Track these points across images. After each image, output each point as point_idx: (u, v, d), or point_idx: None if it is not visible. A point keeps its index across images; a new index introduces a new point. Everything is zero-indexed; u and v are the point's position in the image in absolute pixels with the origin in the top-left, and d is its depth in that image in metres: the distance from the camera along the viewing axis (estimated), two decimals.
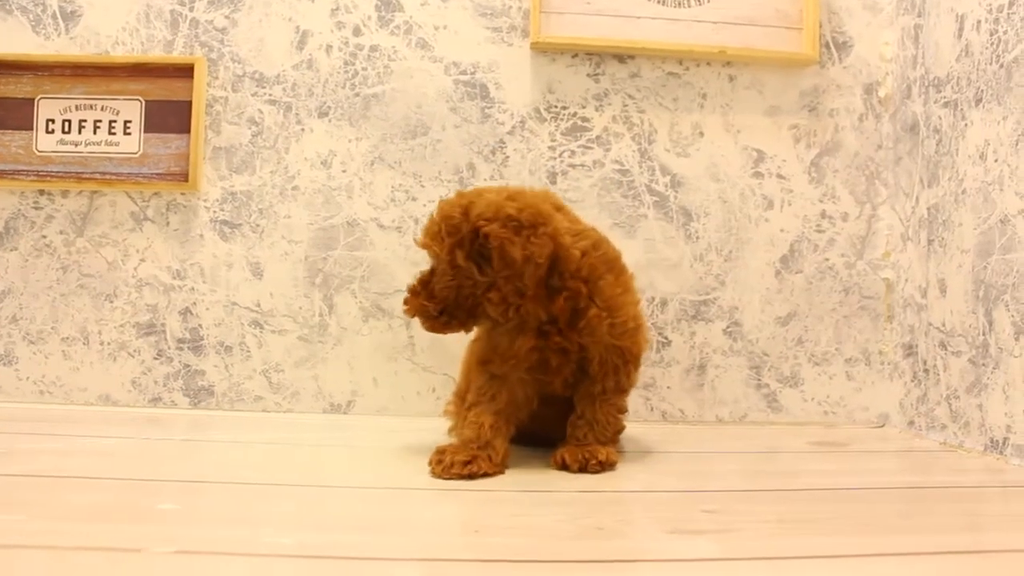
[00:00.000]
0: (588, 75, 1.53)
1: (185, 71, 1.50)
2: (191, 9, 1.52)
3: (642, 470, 1.10)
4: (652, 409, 1.52)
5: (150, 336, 1.51)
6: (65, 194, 1.51)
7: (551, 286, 1.04)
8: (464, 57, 1.53)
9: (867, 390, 1.55)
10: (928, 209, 1.43)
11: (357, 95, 1.52)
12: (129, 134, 1.50)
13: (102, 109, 1.50)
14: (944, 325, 1.37)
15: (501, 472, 1.04)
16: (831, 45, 1.57)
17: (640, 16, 1.51)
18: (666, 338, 1.52)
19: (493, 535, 0.78)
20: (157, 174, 1.50)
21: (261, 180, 1.51)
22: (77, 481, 0.96)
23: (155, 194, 1.51)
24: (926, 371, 1.42)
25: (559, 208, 1.09)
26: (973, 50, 1.31)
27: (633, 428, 1.38)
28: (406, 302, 1.10)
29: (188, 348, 1.50)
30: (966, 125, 1.33)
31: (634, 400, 1.48)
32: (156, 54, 1.52)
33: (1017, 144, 1.20)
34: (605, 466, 1.06)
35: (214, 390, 1.50)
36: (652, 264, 1.52)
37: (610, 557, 0.72)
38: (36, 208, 1.51)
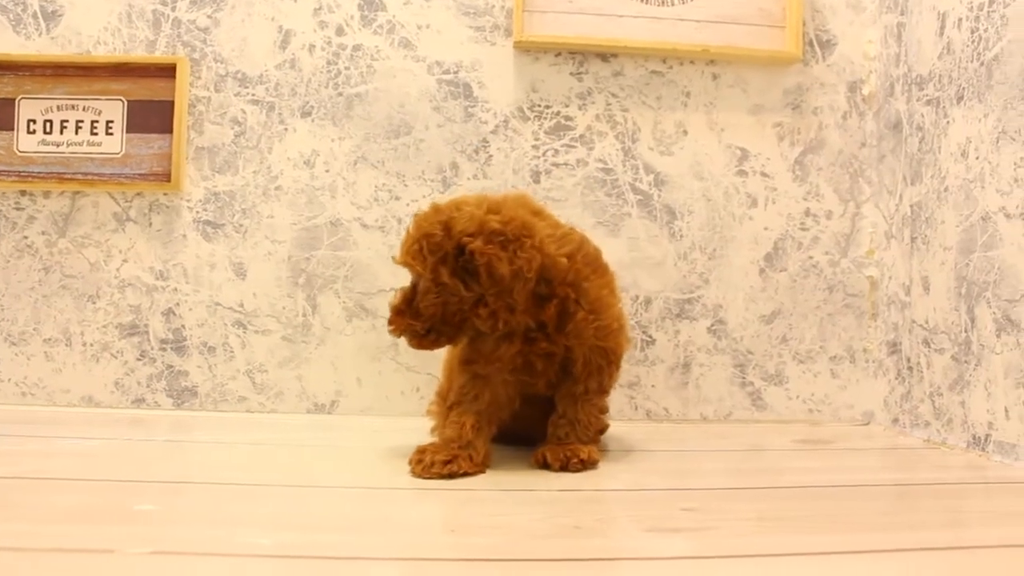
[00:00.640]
0: (571, 74, 1.53)
1: (167, 71, 1.50)
2: (173, 9, 1.51)
3: (624, 469, 1.10)
4: (636, 408, 1.52)
5: (133, 337, 1.50)
6: (47, 195, 1.50)
7: (539, 294, 1.04)
8: (447, 56, 1.53)
9: (851, 388, 1.55)
10: (911, 207, 1.43)
11: (340, 95, 1.52)
12: (111, 134, 1.50)
13: (84, 109, 1.50)
14: (927, 322, 1.37)
15: (482, 471, 1.03)
16: (815, 43, 1.57)
17: (623, 15, 1.51)
18: (650, 337, 1.52)
19: (470, 534, 0.78)
20: (140, 174, 1.49)
21: (244, 180, 1.51)
22: (57, 483, 0.95)
23: (138, 194, 1.51)
24: (910, 368, 1.43)
25: (537, 213, 1.09)
26: (955, 48, 1.31)
27: (617, 427, 1.38)
28: (391, 322, 1.08)
29: (171, 349, 1.50)
30: (948, 123, 1.33)
31: (618, 399, 1.48)
32: (138, 54, 1.51)
33: (998, 141, 1.20)
34: (587, 465, 1.06)
35: (197, 391, 1.50)
36: (636, 263, 1.52)
37: (585, 556, 0.71)
38: (18, 209, 1.50)
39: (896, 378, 1.48)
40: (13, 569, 0.65)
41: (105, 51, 1.51)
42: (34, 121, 1.49)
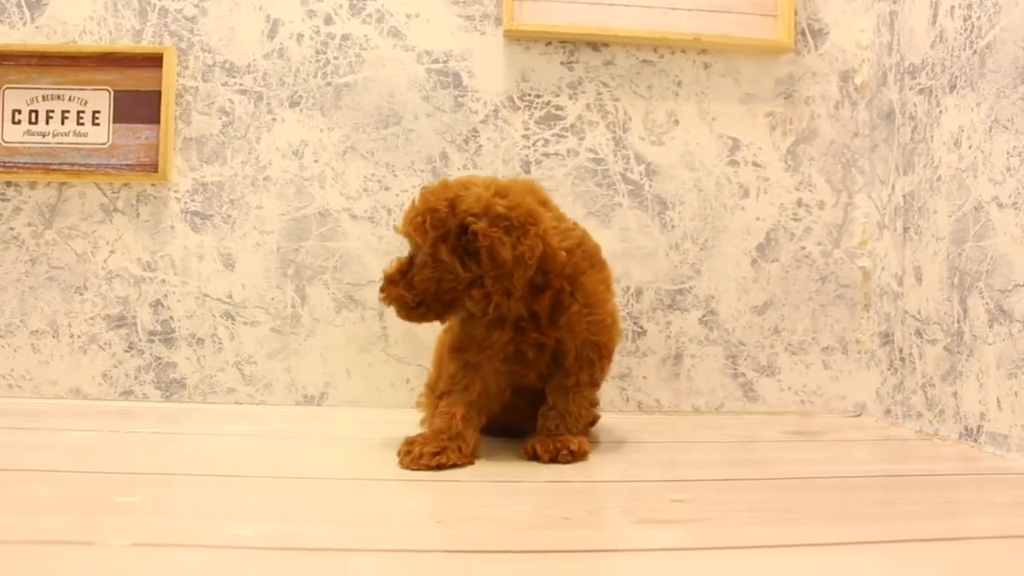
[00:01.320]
0: (562, 63, 1.52)
1: (154, 61, 1.48)
2: None
3: (614, 460, 1.09)
4: (628, 399, 1.51)
5: (121, 329, 1.49)
6: (33, 185, 1.49)
7: (535, 284, 1.03)
8: (436, 46, 1.51)
9: (844, 379, 1.55)
10: (904, 197, 1.42)
11: (329, 84, 1.50)
12: (98, 124, 1.48)
13: (70, 99, 1.48)
14: (920, 313, 1.36)
15: (471, 463, 1.03)
16: (807, 32, 1.56)
17: (614, 3, 1.50)
18: (642, 328, 1.51)
19: (456, 525, 0.77)
20: (127, 165, 1.48)
21: (232, 171, 1.50)
22: (42, 475, 0.94)
23: (125, 185, 1.49)
24: (902, 359, 1.42)
25: (544, 203, 1.08)
26: (947, 36, 1.31)
27: (608, 418, 1.38)
28: (383, 289, 1.07)
29: (159, 340, 1.49)
30: (941, 112, 1.32)
31: (609, 390, 1.47)
32: (125, 43, 1.49)
33: (991, 130, 1.19)
34: (576, 456, 1.06)
35: (186, 383, 1.49)
36: (627, 253, 1.51)
37: (572, 547, 0.70)
38: (3, 200, 1.48)
39: (888, 369, 1.47)
40: None
41: (91, 40, 1.49)
42: (19, 111, 1.47)
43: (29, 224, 1.48)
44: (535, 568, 0.66)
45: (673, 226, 1.53)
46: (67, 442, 1.14)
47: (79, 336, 1.48)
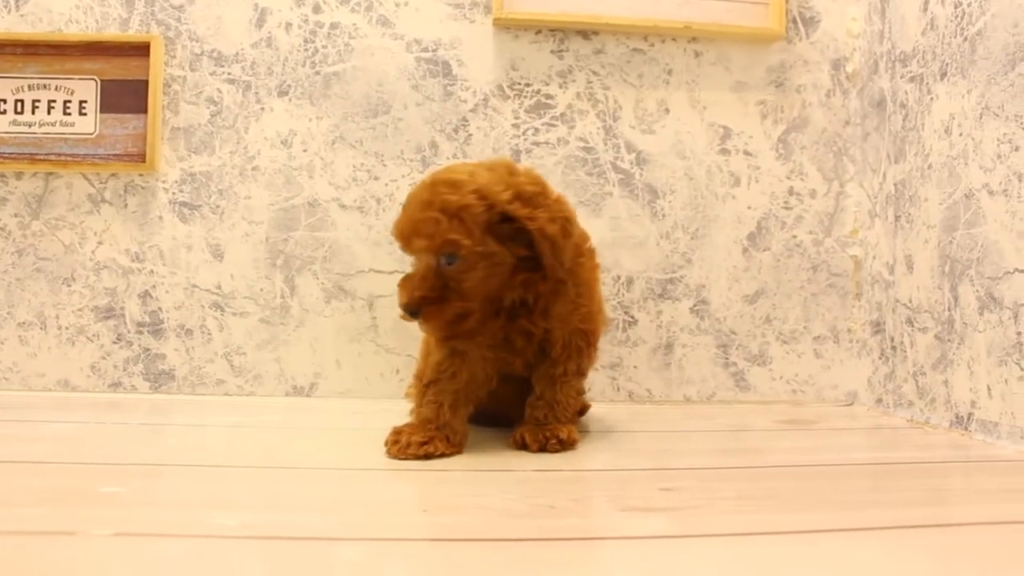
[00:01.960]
0: (552, 52, 1.51)
1: (141, 49, 1.47)
2: None
3: (604, 449, 1.09)
4: (618, 389, 1.51)
5: (109, 320, 1.48)
6: (19, 176, 1.48)
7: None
8: (426, 34, 1.50)
9: (835, 368, 1.54)
10: (895, 185, 1.42)
11: (317, 73, 1.49)
12: (85, 114, 1.47)
13: (56, 89, 1.47)
14: (911, 301, 1.36)
15: (459, 452, 1.02)
16: (798, 20, 1.56)
17: None
18: (632, 317, 1.51)
19: (442, 514, 0.77)
20: (114, 155, 1.47)
21: (221, 160, 1.49)
22: (28, 466, 0.93)
23: (112, 175, 1.48)
24: (893, 348, 1.42)
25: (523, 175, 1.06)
26: (938, 23, 1.30)
27: (599, 408, 1.37)
28: (428, 316, 0.98)
29: (148, 332, 1.48)
30: (932, 99, 1.31)
31: (600, 380, 1.47)
32: (111, 32, 1.48)
33: (981, 117, 1.19)
34: (566, 445, 1.05)
35: (175, 374, 1.48)
36: (618, 242, 1.51)
37: (557, 535, 0.70)
38: None
39: (880, 358, 1.47)
40: None
41: (77, 29, 1.48)
42: (4, 101, 1.46)
43: (15, 215, 1.47)
44: (521, 556, 0.65)
45: (664, 215, 1.52)
46: (54, 434, 1.13)
47: (67, 328, 1.47)
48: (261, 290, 1.48)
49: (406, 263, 1.45)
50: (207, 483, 0.88)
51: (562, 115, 1.51)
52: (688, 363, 1.52)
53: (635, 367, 1.51)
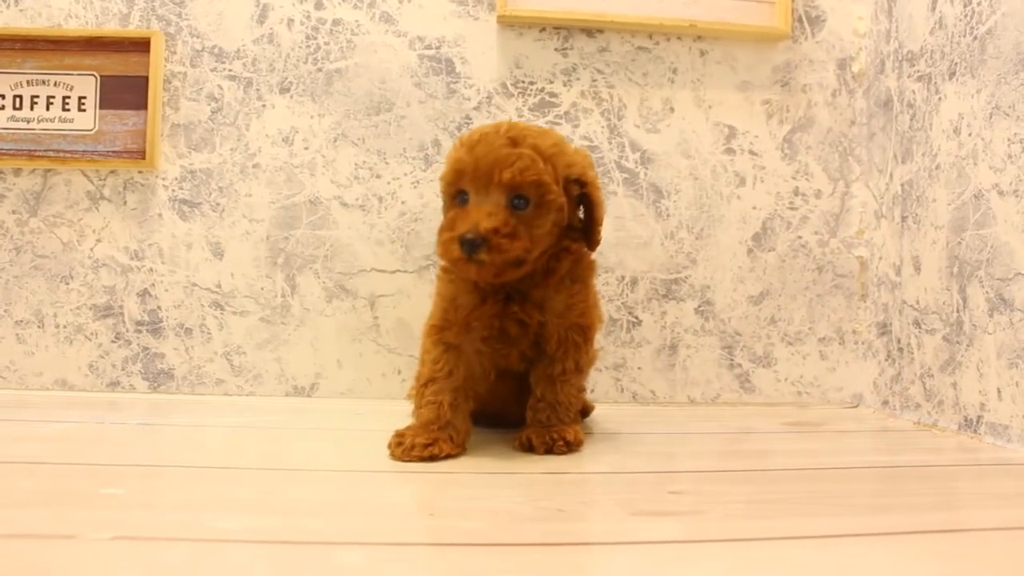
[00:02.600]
0: (556, 49, 1.50)
1: (142, 45, 1.45)
2: None
3: (609, 451, 1.08)
4: (622, 390, 1.49)
5: (107, 318, 1.46)
6: (17, 172, 1.46)
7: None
8: (429, 31, 1.49)
9: (841, 370, 1.53)
10: (902, 185, 1.40)
11: (319, 70, 1.48)
12: (84, 110, 1.45)
13: (55, 84, 1.45)
14: (918, 303, 1.35)
15: (463, 452, 1.01)
16: (804, 19, 1.54)
17: None
18: (636, 318, 1.50)
19: (448, 518, 0.75)
20: (113, 152, 1.45)
21: (221, 158, 1.47)
22: (24, 467, 0.92)
23: (111, 172, 1.47)
24: (900, 350, 1.40)
25: None
26: (947, 22, 1.29)
27: (603, 409, 1.36)
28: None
29: (147, 331, 1.46)
30: (940, 99, 1.30)
31: (604, 381, 1.46)
32: (111, 28, 1.47)
33: (991, 117, 1.18)
34: (572, 447, 1.04)
35: (174, 373, 1.46)
36: (622, 242, 1.49)
37: (568, 540, 0.69)
38: None
39: (886, 359, 1.45)
40: None
41: (77, 24, 1.47)
42: (3, 97, 1.44)
43: (13, 212, 1.46)
44: (530, 561, 0.64)
45: (668, 215, 1.51)
46: (52, 434, 1.12)
47: (65, 326, 1.46)
48: (261, 289, 1.47)
49: (409, 262, 1.46)
50: (207, 485, 0.86)
51: (566, 113, 1.50)
52: (692, 364, 1.50)
53: (639, 368, 1.49)
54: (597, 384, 1.47)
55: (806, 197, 1.53)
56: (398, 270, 1.47)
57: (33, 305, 1.46)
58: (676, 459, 1.06)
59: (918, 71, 1.36)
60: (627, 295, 1.49)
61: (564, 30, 1.50)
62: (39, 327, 1.46)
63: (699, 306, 1.51)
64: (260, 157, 1.47)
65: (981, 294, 1.19)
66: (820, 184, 1.54)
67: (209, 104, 1.47)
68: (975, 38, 1.22)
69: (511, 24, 1.49)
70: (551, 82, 1.50)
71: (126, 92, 1.46)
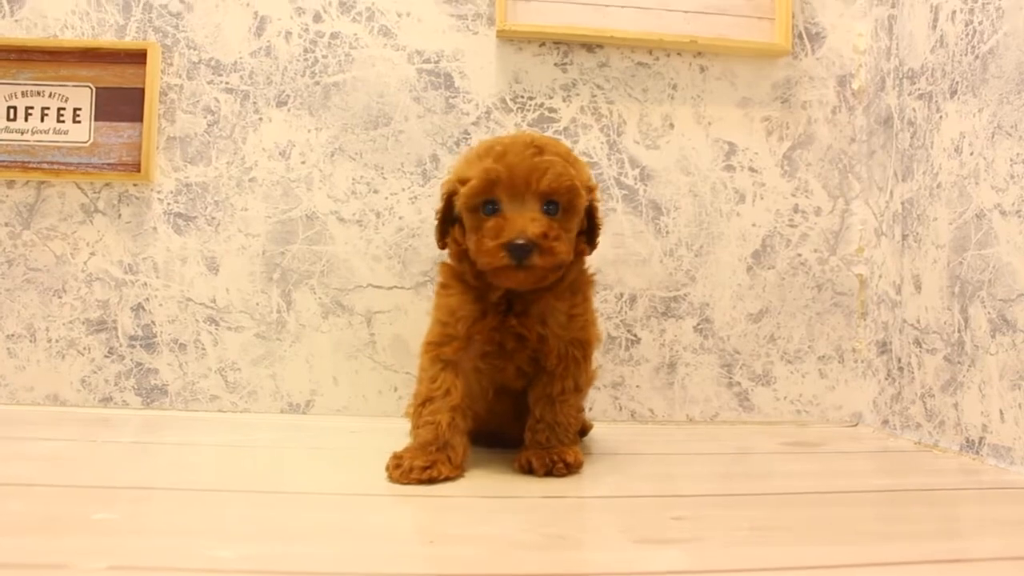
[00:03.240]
0: (555, 65, 1.49)
1: (138, 57, 1.44)
2: None
3: (610, 473, 1.06)
4: (621, 408, 1.48)
5: (101, 333, 1.45)
6: (11, 184, 1.44)
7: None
8: (428, 45, 1.48)
9: (840, 388, 1.52)
10: (902, 203, 1.40)
11: (317, 84, 1.47)
12: (79, 122, 1.44)
13: (50, 96, 1.44)
14: (919, 322, 1.34)
15: (461, 473, 0.99)
16: (804, 36, 1.54)
17: (609, 4, 1.47)
18: (635, 335, 1.48)
19: (449, 545, 0.74)
20: (108, 164, 1.44)
21: (217, 171, 1.46)
22: (13, 488, 0.90)
23: (106, 185, 1.45)
24: (900, 369, 1.39)
25: None
26: (948, 41, 1.28)
27: (601, 428, 1.35)
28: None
29: (140, 346, 1.45)
30: (941, 117, 1.30)
31: (602, 399, 1.45)
32: (107, 39, 1.46)
33: (993, 137, 1.17)
34: (572, 468, 1.02)
35: (168, 389, 1.45)
36: (621, 259, 1.48)
37: (571, 570, 0.67)
38: None
39: (886, 379, 1.44)
40: None
41: (73, 35, 1.45)
42: None
43: (6, 224, 1.44)
44: None
45: (668, 232, 1.50)
46: (43, 453, 1.10)
47: (57, 341, 1.44)
48: (257, 304, 1.45)
49: (406, 278, 1.45)
50: (201, 509, 0.85)
51: (565, 129, 1.49)
52: (691, 382, 1.49)
53: (638, 386, 1.48)
54: (595, 402, 1.46)
55: (806, 214, 1.53)
56: (395, 286, 1.45)
57: (25, 319, 1.44)
58: (676, 481, 1.05)
59: (919, 89, 1.36)
60: (626, 312, 1.48)
61: (564, 45, 1.49)
62: (31, 341, 1.44)
63: (698, 324, 1.50)
64: (256, 171, 1.46)
65: (983, 314, 1.18)
66: (820, 201, 1.53)
67: (205, 117, 1.46)
68: (976, 57, 1.21)
69: (510, 39, 1.48)
70: (550, 97, 1.49)
71: (122, 104, 1.44)
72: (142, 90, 1.44)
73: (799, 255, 1.52)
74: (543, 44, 1.49)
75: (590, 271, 1.12)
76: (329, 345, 1.45)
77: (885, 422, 1.44)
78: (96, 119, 1.44)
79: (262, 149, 1.46)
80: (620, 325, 1.48)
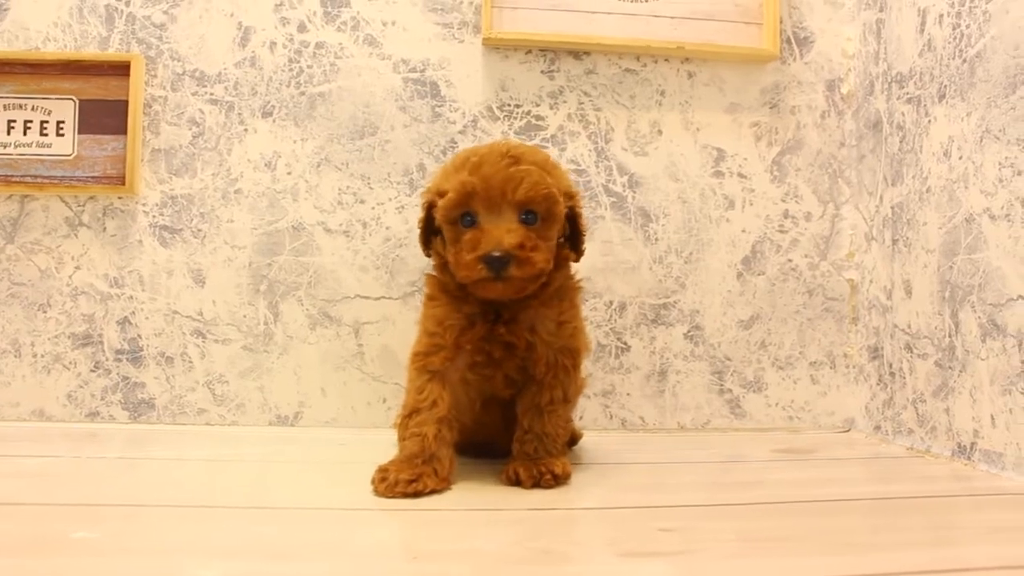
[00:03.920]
0: (542, 72, 1.48)
1: (121, 69, 1.43)
2: (127, 4, 1.45)
3: (598, 483, 1.05)
4: (611, 417, 1.47)
5: (86, 347, 1.43)
6: None
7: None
8: (413, 54, 1.47)
9: (832, 394, 1.51)
10: (892, 208, 1.39)
11: (302, 94, 1.46)
12: (62, 135, 1.43)
13: (33, 109, 1.43)
14: (910, 327, 1.33)
15: (448, 486, 0.98)
16: (792, 41, 1.53)
17: (596, 11, 1.46)
18: (625, 343, 1.48)
19: (433, 560, 0.73)
20: (92, 177, 1.43)
21: (202, 183, 1.45)
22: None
23: (90, 198, 1.44)
24: (892, 374, 1.39)
25: None
26: (936, 45, 1.28)
27: (592, 436, 1.34)
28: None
29: (127, 359, 1.43)
30: (929, 121, 1.29)
31: (593, 407, 1.44)
32: (90, 51, 1.44)
33: (981, 140, 1.16)
34: (560, 480, 1.01)
35: (155, 403, 1.43)
36: (610, 267, 1.47)
37: None
38: None
39: (878, 384, 1.44)
40: None
41: (55, 48, 1.44)
42: None
43: None
44: None
45: (657, 239, 1.49)
46: (28, 469, 1.09)
47: (42, 355, 1.43)
48: (244, 316, 1.44)
49: (393, 289, 1.44)
50: (186, 526, 0.83)
51: (553, 136, 1.48)
52: (682, 390, 1.48)
53: (628, 394, 1.47)
54: (585, 411, 1.45)
55: (796, 220, 1.52)
56: (383, 297, 1.44)
57: (10, 334, 1.43)
58: (666, 491, 1.04)
59: (907, 93, 1.35)
60: (615, 320, 1.47)
61: (550, 52, 1.48)
62: (16, 356, 1.43)
63: (688, 331, 1.49)
64: (242, 182, 1.45)
65: (973, 319, 1.17)
66: (810, 207, 1.52)
67: (190, 129, 1.45)
68: (964, 61, 1.21)
69: (497, 47, 1.47)
70: (537, 105, 1.48)
71: (105, 116, 1.43)
72: (126, 102, 1.43)
73: (789, 261, 1.51)
74: (529, 52, 1.48)
75: (577, 278, 1.11)
76: (317, 357, 1.44)
77: (877, 428, 1.43)
78: (80, 132, 1.43)
79: (247, 160, 1.45)
80: (610, 333, 1.47)
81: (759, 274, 1.51)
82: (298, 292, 1.44)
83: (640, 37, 1.47)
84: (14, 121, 1.42)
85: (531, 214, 0.99)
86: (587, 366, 1.14)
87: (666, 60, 1.51)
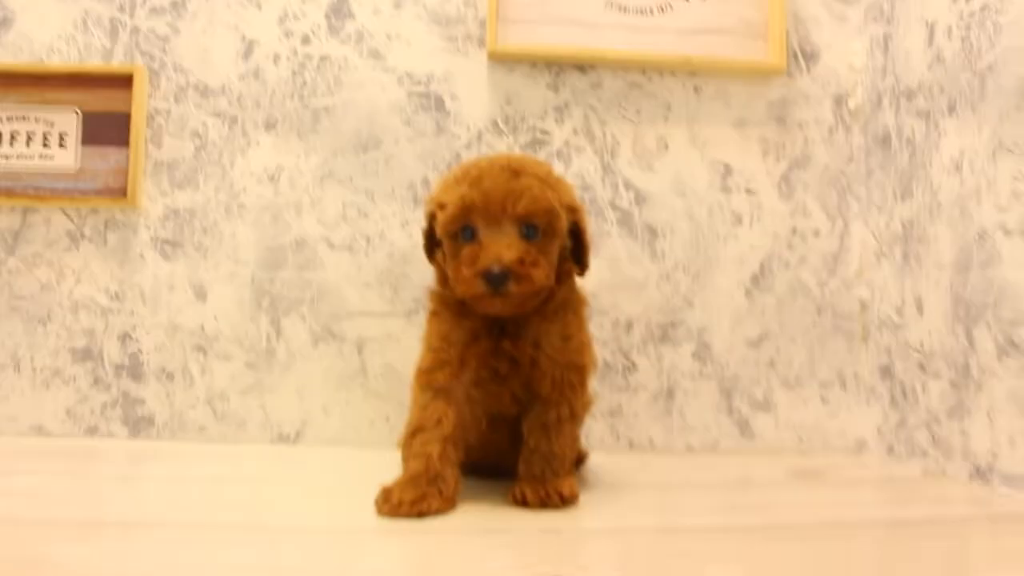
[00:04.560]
0: (547, 86, 1.47)
1: (125, 81, 1.42)
2: (131, 16, 1.44)
3: (606, 504, 1.03)
4: (618, 437, 1.45)
5: (86, 362, 1.41)
6: None
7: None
8: (418, 68, 1.46)
9: (843, 415, 1.49)
10: (903, 224, 1.37)
11: (306, 107, 1.45)
12: (64, 147, 1.42)
13: (36, 120, 1.42)
14: (922, 345, 1.31)
15: (453, 506, 0.96)
16: (799, 55, 1.52)
17: (601, 25, 1.45)
18: (632, 362, 1.45)
19: None
20: (94, 190, 1.41)
21: (205, 197, 1.43)
22: None
23: (92, 211, 1.43)
24: (904, 394, 1.36)
25: None
26: (945, 57, 1.26)
27: (599, 457, 1.31)
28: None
29: (127, 375, 1.41)
30: (940, 135, 1.27)
31: (599, 428, 1.41)
32: (94, 63, 1.43)
33: (994, 154, 1.15)
34: (568, 501, 0.99)
35: (155, 419, 1.41)
36: (617, 285, 1.45)
37: None
38: None
39: (890, 404, 1.41)
40: None
41: (59, 59, 1.43)
42: None
43: None
44: None
45: (664, 256, 1.47)
46: (25, 487, 1.06)
47: (42, 370, 1.41)
48: (246, 332, 1.42)
49: (397, 305, 1.42)
50: (185, 545, 0.81)
51: (558, 151, 1.47)
52: (690, 410, 1.46)
53: (635, 414, 1.45)
54: (592, 431, 1.42)
55: (804, 236, 1.50)
56: (387, 313, 1.43)
57: (9, 348, 1.41)
58: (676, 514, 1.01)
59: (916, 107, 1.34)
60: (622, 339, 1.45)
61: (555, 66, 1.47)
62: (15, 371, 1.41)
63: (696, 350, 1.47)
64: (245, 196, 1.43)
65: (989, 337, 1.15)
66: (818, 223, 1.50)
67: (193, 141, 1.44)
68: (975, 73, 1.19)
69: (501, 60, 1.46)
70: (543, 119, 1.47)
71: (108, 129, 1.42)
72: (129, 114, 1.41)
73: (798, 278, 1.49)
74: (534, 65, 1.47)
75: (581, 291, 1.09)
76: (319, 374, 1.42)
77: (890, 449, 1.41)
78: (82, 144, 1.42)
79: (250, 174, 1.44)
80: (617, 352, 1.45)
81: (767, 292, 1.49)
82: (301, 308, 1.42)
83: (646, 51, 1.46)
84: (17, 132, 1.41)
85: (532, 228, 0.97)
86: (594, 384, 1.11)
87: (672, 74, 1.49)
